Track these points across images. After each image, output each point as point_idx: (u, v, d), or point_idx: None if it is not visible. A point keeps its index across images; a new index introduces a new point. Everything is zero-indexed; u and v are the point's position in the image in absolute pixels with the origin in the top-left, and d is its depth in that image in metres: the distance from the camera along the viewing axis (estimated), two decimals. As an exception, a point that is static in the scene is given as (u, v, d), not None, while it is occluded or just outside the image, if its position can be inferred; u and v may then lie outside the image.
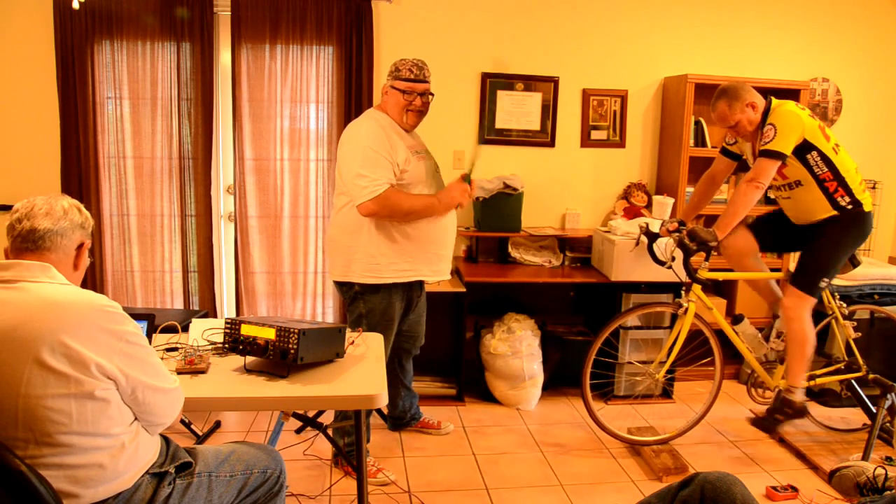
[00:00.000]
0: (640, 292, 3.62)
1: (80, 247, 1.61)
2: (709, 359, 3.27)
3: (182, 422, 3.12)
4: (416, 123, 2.82)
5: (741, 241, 3.18)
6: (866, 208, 2.93)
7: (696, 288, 3.04)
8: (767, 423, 3.17)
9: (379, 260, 2.74)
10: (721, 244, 3.09)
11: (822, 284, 2.96)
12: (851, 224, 2.93)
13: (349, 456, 2.75)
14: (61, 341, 1.39)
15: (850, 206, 2.91)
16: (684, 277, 3.04)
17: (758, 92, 2.94)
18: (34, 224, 1.52)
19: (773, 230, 3.21)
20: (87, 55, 3.57)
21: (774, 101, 2.91)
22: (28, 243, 1.51)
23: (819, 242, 2.96)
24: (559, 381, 3.81)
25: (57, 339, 1.38)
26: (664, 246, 3.20)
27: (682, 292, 3.09)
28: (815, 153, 2.85)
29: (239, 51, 3.66)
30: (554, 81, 4.01)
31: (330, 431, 2.66)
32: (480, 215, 3.84)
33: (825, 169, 2.87)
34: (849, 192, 2.90)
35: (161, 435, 1.69)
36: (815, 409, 3.56)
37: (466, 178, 2.83)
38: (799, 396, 3.02)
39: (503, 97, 3.98)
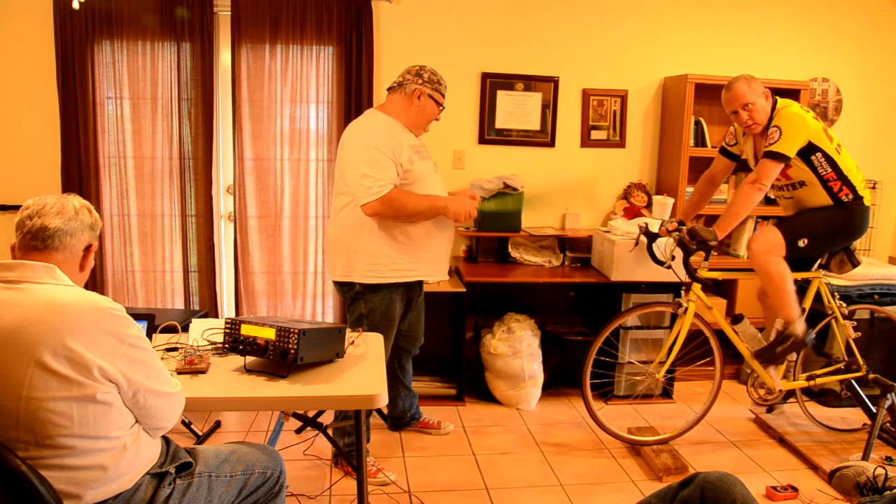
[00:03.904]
0: (640, 292, 3.62)
1: (88, 248, 1.60)
2: (709, 359, 3.27)
3: (182, 422, 3.12)
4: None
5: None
6: (866, 202, 2.94)
7: (696, 287, 3.04)
8: (769, 354, 3.04)
9: (381, 260, 2.74)
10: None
11: (801, 244, 2.92)
12: (849, 212, 2.94)
13: (349, 456, 2.75)
14: (64, 344, 1.38)
15: (851, 200, 2.92)
16: (684, 277, 3.04)
17: None
18: (45, 222, 1.51)
19: None
20: (87, 55, 3.57)
21: (780, 101, 2.91)
22: (37, 241, 1.51)
23: (814, 211, 2.97)
24: (559, 381, 3.81)
25: (60, 342, 1.38)
26: (663, 246, 3.20)
27: (682, 292, 3.09)
28: (819, 154, 2.86)
29: (239, 51, 3.66)
30: (554, 81, 4.01)
31: (330, 431, 2.66)
32: (480, 215, 3.84)
33: (829, 169, 2.87)
34: (852, 189, 2.91)
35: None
36: (815, 409, 3.56)
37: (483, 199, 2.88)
38: (800, 327, 2.96)
39: (503, 97, 3.98)
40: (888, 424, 3.19)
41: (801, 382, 3.20)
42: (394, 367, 3.09)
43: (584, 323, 4.03)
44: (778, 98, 2.93)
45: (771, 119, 2.88)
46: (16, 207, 2.87)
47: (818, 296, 3.17)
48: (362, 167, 2.62)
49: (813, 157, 2.86)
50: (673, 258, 3.09)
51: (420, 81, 2.77)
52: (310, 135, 3.83)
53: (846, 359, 3.24)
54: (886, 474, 2.17)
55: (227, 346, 2.04)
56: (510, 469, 3.00)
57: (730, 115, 2.97)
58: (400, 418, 3.28)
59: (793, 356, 3.14)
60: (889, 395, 3.06)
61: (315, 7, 3.68)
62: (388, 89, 2.86)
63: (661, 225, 3.15)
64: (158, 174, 3.76)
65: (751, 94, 2.87)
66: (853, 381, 3.23)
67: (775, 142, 2.80)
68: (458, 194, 2.88)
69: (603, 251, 3.73)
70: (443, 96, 2.85)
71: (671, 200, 3.85)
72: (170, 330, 2.34)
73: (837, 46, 4.24)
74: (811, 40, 4.21)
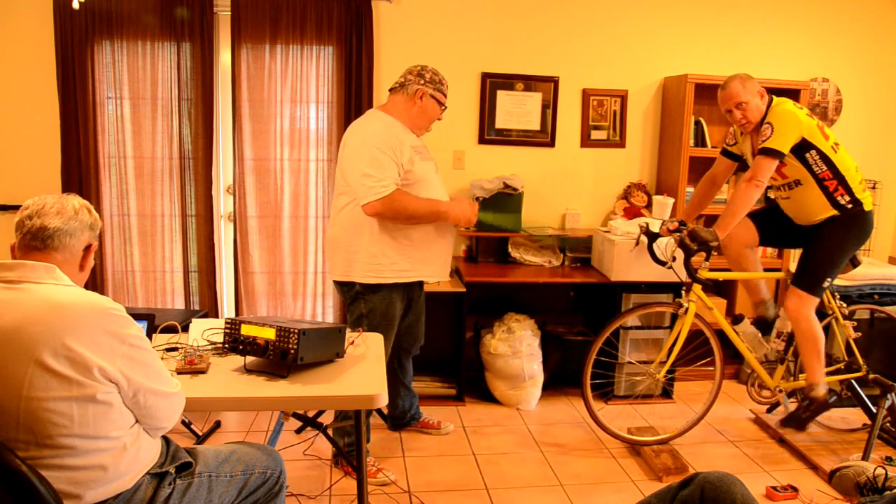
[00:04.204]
0: (640, 292, 3.62)
1: (88, 248, 1.60)
2: (709, 359, 3.27)
3: (182, 422, 3.12)
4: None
5: (743, 231, 3.17)
6: (866, 207, 2.93)
7: (697, 288, 3.04)
8: (796, 421, 3.19)
9: (381, 260, 2.74)
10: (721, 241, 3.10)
11: (826, 284, 2.97)
12: (852, 223, 2.93)
13: (349, 456, 2.75)
14: (64, 344, 1.38)
15: (850, 206, 2.91)
16: (684, 277, 3.04)
17: None
18: (44, 222, 1.51)
19: (774, 225, 3.20)
20: (87, 55, 3.57)
21: (775, 99, 2.92)
22: (37, 241, 1.51)
23: (821, 242, 2.97)
24: (559, 381, 3.81)
25: (60, 342, 1.38)
26: (664, 246, 3.20)
27: (683, 292, 3.09)
28: (813, 152, 2.85)
29: (239, 51, 3.66)
30: (554, 81, 4.01)
31: (330, 431, 2.66)
32: (479, 223, 3.84)
33: (824, 168, 2.87)
34: (848, 190, 2.90)
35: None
36: (815, 409, 3.56)
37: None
38: (821, 391, 3.03)
39: (503, 97, 3.98)
40: (888, 424, 3.19)
41: (802, 382, 3.19)
42: (394, 367, 3.09)
43: (584, 323, 4.03)
44: (774, 97, 2.93)
45: (765, 117, 2.88)
46: (16, 207, 2.86)
47: (818, 296, 3.17)
48: (364, 167, 2.62)
49: (807, 155, 2.86)
50: (674, 258, 3.09)
51: (422, 82, 2.78)
52: (310, 135, 3.83)
53: (846, 359, 3.24)
54: (886, 474, 2.17)
55: (227, 346, 2.04)
56: (510, 469, 3.00)
57: (725, 114, 2.98)
58: (400, 418, 3.28)
59: (786, 365, 3.20)
60: (889, 395, 3.06)
61: (315, 7, 3.68)
62: (390, 90, 2.86)
63: (662, 225, 3.15)
64: (158, 174, 3.76)
65: (744, 94, 2.88)
66: (853, 381, 3.23)
67: (767, 138, 2.80)
68: (459, 200, 2.88)
69: (603, 251, 3.73)
70: (445, 96, 2.85)
71: (671, 200, 3.85)
72: (170, 330, 2.33)
73: (837, 46, 4.24)
74: (811, 40, 4.21)
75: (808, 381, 3.06)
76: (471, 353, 3.78)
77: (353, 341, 2.28)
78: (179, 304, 3.88)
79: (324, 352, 2.04)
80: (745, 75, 2.91)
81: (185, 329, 2.32)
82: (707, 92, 3.88)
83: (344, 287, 2.84)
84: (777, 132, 2.79)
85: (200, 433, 3.14)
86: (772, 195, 3.20)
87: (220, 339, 2.18)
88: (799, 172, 2.91)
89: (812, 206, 2.97)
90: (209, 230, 3.80)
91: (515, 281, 3.73)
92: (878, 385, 3.12)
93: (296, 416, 2.38)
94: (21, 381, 1.36)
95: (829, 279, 2.96)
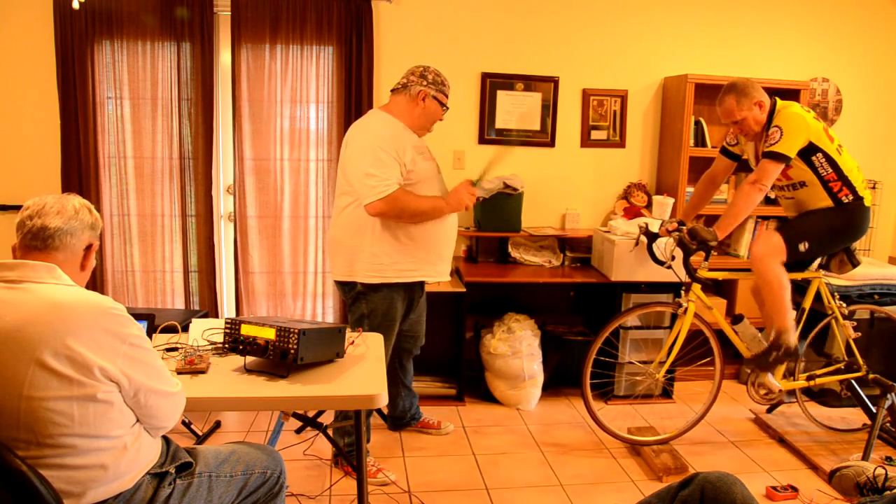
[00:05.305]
0: (640, 292, 3.62)
1: (89, 248, 1.60)
2: (709, 359, 3.27)
3: (182, 422, 3.12)
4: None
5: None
6: (866, 203, 2.94)
7: (696, 288, 3.04)
8: (762, 362, 3.05)
9: (383, 260, 2.74)
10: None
11: (802, 248, 2.91)
12: (850, 213, 2.93)
13: (349, 456, 2.75)
14: (65, 344, 1.38)
15: (851, 200, 2.91)
16: (684, 277, 3.04)
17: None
18: (45, 222, 1.51)
19: None
20: (87, 55, 3.57)
21: (780, 102, 2.91)
22: (37, 241, 1.51)
23: (814, 211, 2.96)
24: (559, 381, 3.81)
25: (61, 342, 1.38)
26: (664, 246, 3.20)
27: (682, 292, 3.09)
28: (820, 155, 2.85)
29: (239, 51, 3.66)
30: (554, 81, 4.01)
31: (330, 431, 2.66)
32: (480, 215, 3.84)
33: (830, 170, 2.87)
34: (852, 190, 2.91)
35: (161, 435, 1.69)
36: (814, 409, 3.56)
37: (475, 183, 2.87)
38: (791, 337, 2.97)
39: (503, 97, 3.98)
40: (888, 424, 3.19)
41: (801, 382, 3.20)
42: (395, 367, 3.09)
43: (584, 323, 4.03)
44: (778, 99, 2.93)
45: (771, 119, 2.88)
46: (16, 207, 2.85)
47: (818, 296, 3.17)
48: (367, 167, 2.62)
49: (814, 158, 2.86)
50: (673, 258, 3.09)
51: (424, 83, 2.78)
52: (310, 135, 3.83)
53: (846, 359, 3.24)
54: (886, 474, 2.18)
55: (227, 346, 2.04)
56: (510, 469, 3.00)
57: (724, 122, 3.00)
58: (400, 418, 3.28)
59: (786, 365, 3.16)
60: (889, 395, 3.06)
61: (315, 7, 3.68)
62: (392, 90, 2.86)
63: (662, 225, 3.15)
64: (158, 174, 3.76)
65: (739, 111, 2.87)
66: (853, 381, 3.23)
67: (776, 142, 2.79)
68: (454, 189, 2.85)
69: (603, 251, 3.73)
70: (446, 97, 2.84)
71: (671, 200, 3.85)
72: (170, 330, 2.34)
73: (837, 46, 4.24)
74: (811, 40, 4.21)
75: (777, 329, 2.98)
76: (471, 353, 3.78)
77: (353, 341, 2.28)
78: (179, 304, 3.88)
79: (324, 352, 2.04)
80: (742, 86, 2.88)
81: (185, 329, 2.32)
82: (707, 92, 3.88)
83: (345, 287, 2.84)
84: (786, 136, 2.78)
85: (200, 433, 3.14)
86: (773, 195, 3.20)
87: (220, 339, 2.18)
88: (804, 175, 2.91)
89: (814, 204, 2.97)
90: (209, 230, 3.80)
91: (515, 281, 3.73)
92: (878, 385, 3.12)
93: (296, 416, 2.38)
94: (21, 380, 1.36)
95: (806, 244, 2.91)
